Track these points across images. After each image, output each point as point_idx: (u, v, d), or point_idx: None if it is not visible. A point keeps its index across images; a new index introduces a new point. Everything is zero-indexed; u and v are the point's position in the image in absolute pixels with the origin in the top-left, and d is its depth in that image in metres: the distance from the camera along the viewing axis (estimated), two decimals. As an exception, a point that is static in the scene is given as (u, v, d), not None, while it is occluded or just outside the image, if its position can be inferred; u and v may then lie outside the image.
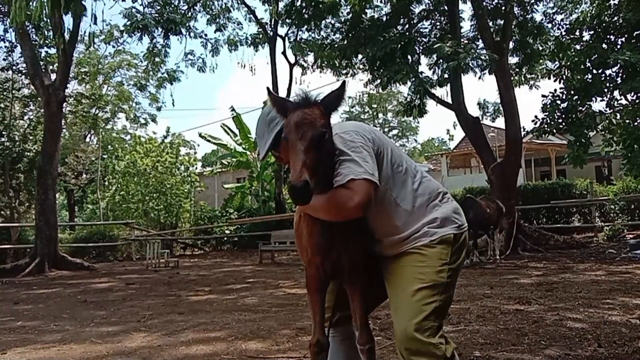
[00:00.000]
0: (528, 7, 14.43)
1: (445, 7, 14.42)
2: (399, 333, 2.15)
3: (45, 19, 14.50)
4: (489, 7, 14.23)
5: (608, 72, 11.56)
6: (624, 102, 11.89)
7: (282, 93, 19.25)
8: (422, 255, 2.22)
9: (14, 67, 20.69)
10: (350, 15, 15.16)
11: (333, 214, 2.07)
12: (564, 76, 12.23)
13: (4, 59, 20.63)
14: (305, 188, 1.85)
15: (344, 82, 2.13)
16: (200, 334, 5.11)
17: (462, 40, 13.78)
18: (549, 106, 11.93)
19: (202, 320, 5.85)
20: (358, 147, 2.11)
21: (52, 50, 17.49)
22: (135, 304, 7.51)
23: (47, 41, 17.00)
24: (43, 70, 15.34)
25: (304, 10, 15.02)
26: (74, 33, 15.07)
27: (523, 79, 16.58)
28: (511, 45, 14.55)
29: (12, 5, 12.10)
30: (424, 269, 2.20)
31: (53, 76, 15.29)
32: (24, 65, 17.57)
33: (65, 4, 12.54)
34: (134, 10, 15.15)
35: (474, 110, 16.78)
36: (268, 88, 2.22)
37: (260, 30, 20.91)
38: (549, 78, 13.12)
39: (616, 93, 11.69)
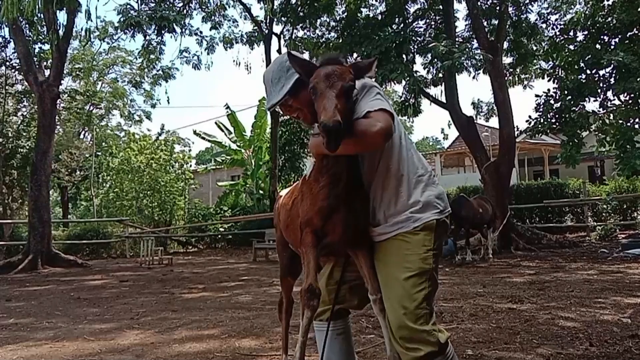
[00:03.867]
0: (522, 7, 14.46)
1: (440, 7, 14.45)
2: (393, 323, 2.18)
3: (38, 15, 14.45)
4: (484, 7, 14.27)
5: (602, 72, 11.63)
6: (617, 102, 11.97)
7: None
8: (406, 242, 2.24)
9: (7, 63, 20.60)
10: (346, 13, 15.19)
11: (359, 143, 2.09)
12: (558, 76, 12.29)
13: (-3, 55, 20.54)
14: (339, 129, 1.88)
15: (376, 58, 2.24)
16: (193, 331, 5.11)
17: (456, 39, 13.81)
18: (542, 106, 11.99)
19: (195, 317, 5.85)
20: (376, 94, 2.19)
21: (46, 46, 17.39)
22: (129, 301, 7.49)
23: (40, 37, 16.91)
24: (37, 66, 15.27)
25: (299, 9, 14.99)
26: (68, 29, 15.00)
27: (517, 78, 16.62)
28: (505, 45, 14.59)
29: (3, 0, 12.02)
30: (409, 257, 2.22)
31: (47, 72, 15.20)
32: (18, 61, 17.50)
33: (59, 0, 12.49)
34: (128, 7, 15.08)
35: (468, 110, 16.89)
36: (290, 52, 2.23)
37: (255, 28, 20.86)
38: (543, 78, 13.18)
39: (609, 93, 11.76)
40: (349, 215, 2.28)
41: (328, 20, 16.27)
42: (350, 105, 2.09)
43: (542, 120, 12.00)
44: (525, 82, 16.97)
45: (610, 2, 12.11)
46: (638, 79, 10.33)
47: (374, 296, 2.36)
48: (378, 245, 2.33)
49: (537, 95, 12.24)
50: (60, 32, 14.67)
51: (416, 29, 15.10)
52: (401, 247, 2.25)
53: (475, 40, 14.20)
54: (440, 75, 14.67)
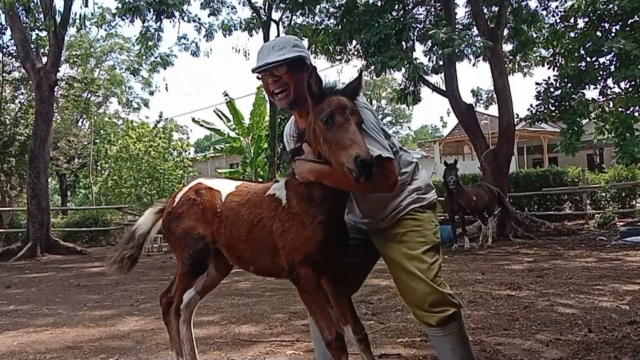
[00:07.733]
0: (523, -6, 14.36)
1: (441, -7, 14.33)
2: (421, 293, 2.30)
3: (34, 1, 14.34)
4: (484, -6, 14.15)
5: (602, 60, 11.54)
6: (617, 90, 11.89)
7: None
8: (417, 220, 2.41)
9: (4, 50, 20.46)
10: (345, 0, 15.04)
11: (372, 186, 2.14)
12: (558, 64, 12.21)
13: (-6, 41, 20.39)
14: (373, 165, 1.94)
15: (361, 72, 2.34)
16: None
17: (456, 26, 13.71)
18: (542, 94, 11.93)
19: (195, 304, 5.86)
20: (375, 125, 2.26)
21: (43, 33, 17.27)
22: (128, 288, 7.51)
23: (37, 23, 16.77)
24: (34, 53, 15.18)
25: (298, -5, 14.87)
26: (65, 15, 14.90)
27: (517, 66, 16.53)
28: (505, 32, 14.48)
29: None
30: (422, 232, 2.39)
31: (44, 59, 15.11)
32: (15, 47, 17.37)
33: (56, -14, 12.40)
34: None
35: (467, 98, 16.79)
36: (314, 68, 2.18)
37: (254, 14, 20.69)
38: (543, 66, 13.09)
39: (610, 81, 11.68)
40: (337, 247, 2.32)
41: (327, 6, 16.13)
42: None
43: (542, 108, 11.96)
44: (525, 70, 16.88)
45: (611, -11, 12.00)
46: (639, 67, 10.26)
47: (359, 335, 2.42)
48: (389, 228, 2.43)
49: (537, 83, 12.16)
50: (57, 19, 14.57)
51: (416, 16, 14.97)
52: (413, 224, 2.41)
53: (475, 28, 14.10)
54: (440, 62, 14.60)
